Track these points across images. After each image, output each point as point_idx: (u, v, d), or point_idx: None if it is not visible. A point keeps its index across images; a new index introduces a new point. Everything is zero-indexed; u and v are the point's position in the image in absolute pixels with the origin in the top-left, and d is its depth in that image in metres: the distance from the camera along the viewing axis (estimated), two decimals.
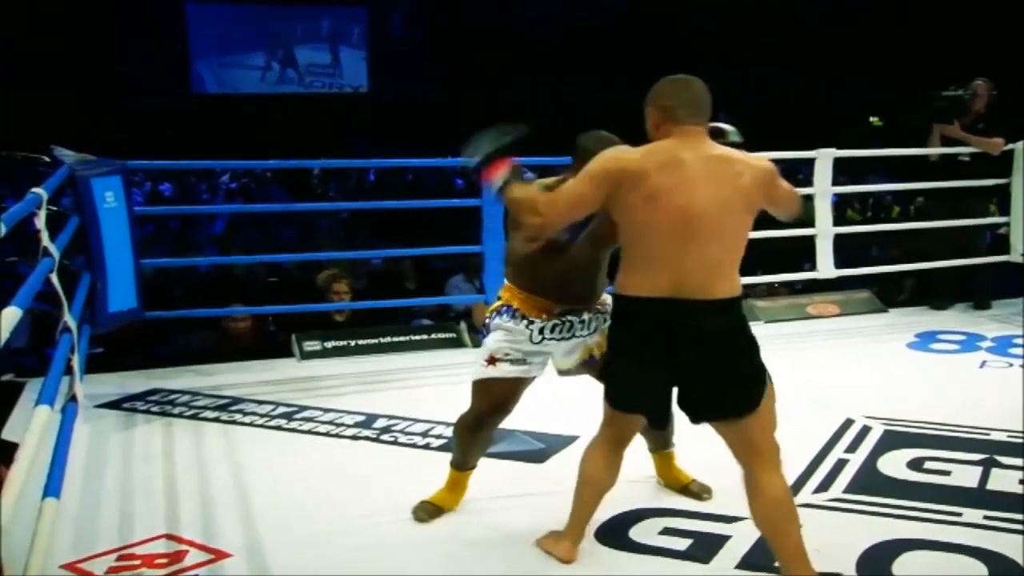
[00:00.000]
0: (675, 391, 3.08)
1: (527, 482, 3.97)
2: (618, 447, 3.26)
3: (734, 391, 3.00)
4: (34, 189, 4.05)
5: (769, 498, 2.99)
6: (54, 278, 4.00)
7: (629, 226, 2.99)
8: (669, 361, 2.98)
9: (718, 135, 3.12)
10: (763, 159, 3.07)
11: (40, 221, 3.96)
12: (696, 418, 3.10)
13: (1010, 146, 7.11)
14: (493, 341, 3.50)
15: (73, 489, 3.88)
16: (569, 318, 3.48)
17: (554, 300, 3.45)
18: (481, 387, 3.54)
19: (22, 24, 16.58)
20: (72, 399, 4.42)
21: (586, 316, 3.50)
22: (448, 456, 3.81)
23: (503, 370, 3.48)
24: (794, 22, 17.49)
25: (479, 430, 3.61)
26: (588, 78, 17.98)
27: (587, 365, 3.56)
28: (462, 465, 3.73)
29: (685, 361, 2.96)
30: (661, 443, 3.84)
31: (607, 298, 3.47)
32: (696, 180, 2.91)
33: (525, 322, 3.47)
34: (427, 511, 3.66)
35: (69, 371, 4.40)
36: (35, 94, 15.48)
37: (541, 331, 3.47)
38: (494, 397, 3.52)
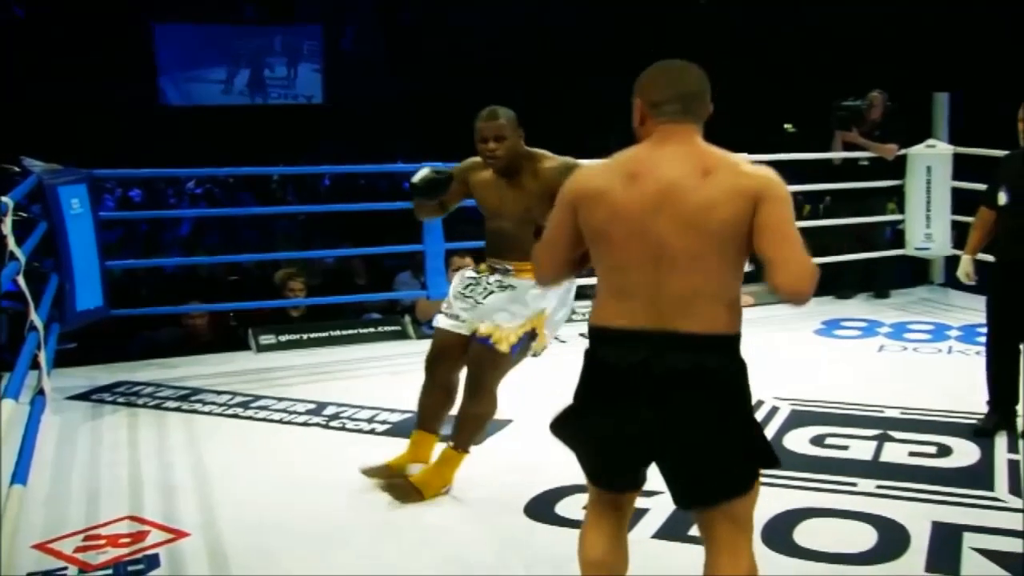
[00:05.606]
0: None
1: (462, 466, 3.82)
2: (615, 520, 2.41)
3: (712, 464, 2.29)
4: (1, 198, 4.02)
5: None
6: (21, 280, 3.96)
7: (592, 248, 2.32)
8: (628, 410, 2.23)
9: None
10: (759, 173, 2.23)
11: (6, 227, 3.93)
12: (680, 501, 2.34)
13: (903, 151, 7.25)
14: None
15: (43, 475, 3.88)
16: (482, 277, 3.71)
17: (488, 255, 3.77)
18: None
19: None
20: (40, 392, 4.38)
21: (496, 277, 3.68)
22: (394, 440, 3.83)
23: (439, 320, 3.78)
24: (709, 32, 17.53)
25: (427, 376, 3.76)
26: (533, 88, 17.98)
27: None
28: (416, 421, 3.81)
29: (649, 402, 2.22)
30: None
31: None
32: (653, 196, 2.20)
33: (460, 273, 3.87)
34: (368, 471, 3.73)
35: (36, 366, 4.36)
36: (8, 105, 15.22)
37: (462, 280, 3.77)
38: (434, 343, 3.78)
